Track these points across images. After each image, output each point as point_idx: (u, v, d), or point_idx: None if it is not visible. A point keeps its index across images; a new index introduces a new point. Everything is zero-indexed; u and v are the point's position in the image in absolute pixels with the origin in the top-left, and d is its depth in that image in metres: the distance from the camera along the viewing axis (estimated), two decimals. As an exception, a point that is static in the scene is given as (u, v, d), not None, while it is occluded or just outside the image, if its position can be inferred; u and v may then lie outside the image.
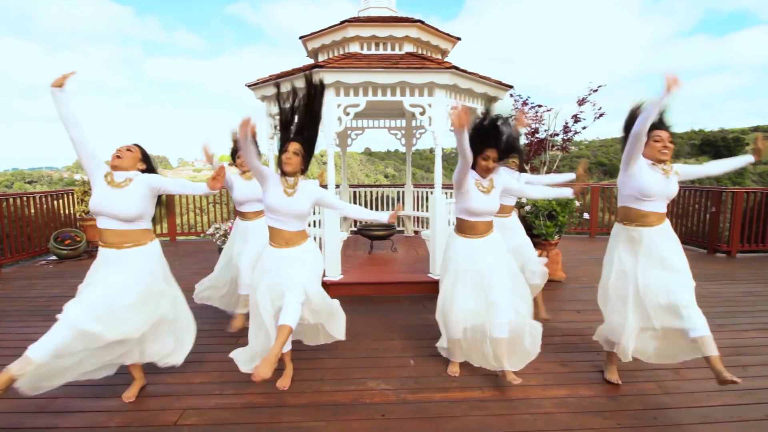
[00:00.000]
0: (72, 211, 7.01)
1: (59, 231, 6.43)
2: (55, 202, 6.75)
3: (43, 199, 6.54)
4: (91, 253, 6.55)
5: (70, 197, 7.03)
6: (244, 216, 3.60)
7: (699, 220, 6.80)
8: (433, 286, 4.58)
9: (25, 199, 6.25)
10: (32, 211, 6.34)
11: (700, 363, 2.94)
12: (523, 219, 5.25)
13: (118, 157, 2.41)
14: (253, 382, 2.64)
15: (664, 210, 2.52)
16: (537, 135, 5.98)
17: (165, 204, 2.73)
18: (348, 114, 4.40)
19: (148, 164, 2.55)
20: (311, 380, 2.75)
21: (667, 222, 2.56)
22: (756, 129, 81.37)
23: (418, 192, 7.42)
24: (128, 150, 2.47)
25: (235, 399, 2.53)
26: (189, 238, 8.05)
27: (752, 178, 65.60)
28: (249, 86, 5.10)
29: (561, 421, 2.31)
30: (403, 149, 7.46)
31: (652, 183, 2.43)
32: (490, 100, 5.22)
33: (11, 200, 6.02)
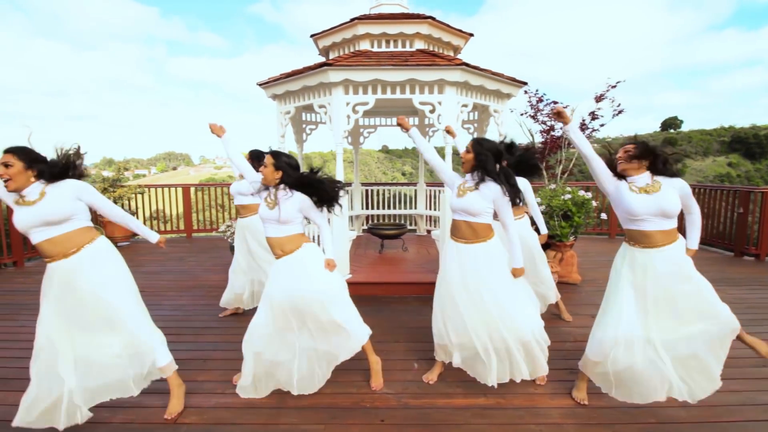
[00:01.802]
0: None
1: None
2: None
3: None
4: (109, 249, 6.71)
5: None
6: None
7: (726, 221, 6.50)
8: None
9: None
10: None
11: (722, 375, 2.80)
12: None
13: (7, 181, 2.07)
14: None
15: (670, 227, 2.26)
16: (552, 133, 5.81)
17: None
18: (357, 112, 4.35)
19: (42, 162, 2.16)
20: (313, 382, 2.71)
21: (677, 243, 2.27)
22: (791, 125, 77.77)
23: (430, 191, 7.32)
24: (6, 166, 2.06)
25: (235, 399, 2.52)
26: (209, 234, 8.13)
27: (784, 177, 62.68)
28: (260, 85, 5.11)
29: (567, 432, 2.21)
30: None
31: (634, 203, 2.24)
32: (503, 97, 5.09)
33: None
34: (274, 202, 2.46)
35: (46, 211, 2.09)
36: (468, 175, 2.64)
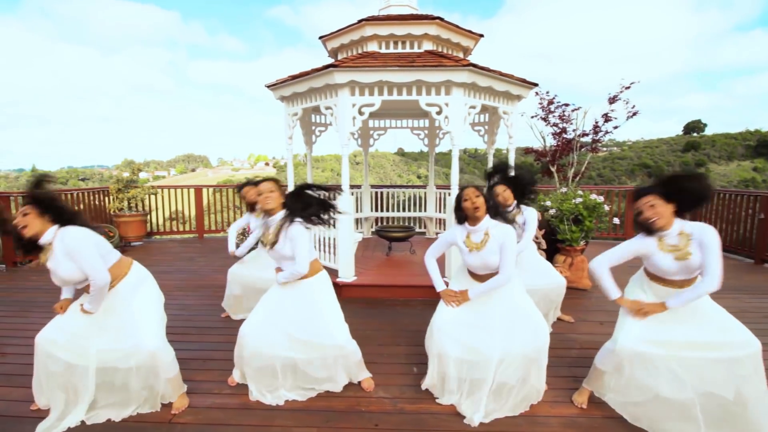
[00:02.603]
0: (103, 207, 7.35)
1: (94, 226, 6.74)
2: (92, 199, 7.11)
3: (89, 196, 6.99)
4: (123, 249, 6.84)
5: (102, 194, 7.37)
6: None
7: (748, 227, 6.26)
8: (447, 291, 4.44)
9: (63, 195, 6.62)
10: (80, 206, 6.73)
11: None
12: (547, 223, 5.02)
13: (23, 228, 2.06)
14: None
15: (696, 274, 2.18)
16: (564, 135, 5.69)
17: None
18: (363, 114, 4.34)
19: (54, 210, 2.14)
20: (310, 384, 2.69)
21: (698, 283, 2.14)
22: (822, 129, 74.78)
23: (440, 193, 7.26)
24: (24, 215, 2.06)
25: (230, 399, 2.52)
26: (220, 235, 8.23)
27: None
28: (268, 87, 5.15)
29: (567, 443, 2.14)
30: (437, 150, 7.30)
31: (664, 264, 2.16)
32: (513, 98, 5.02)
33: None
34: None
35: (60, 276, 2.18)
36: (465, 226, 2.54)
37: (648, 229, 2.16)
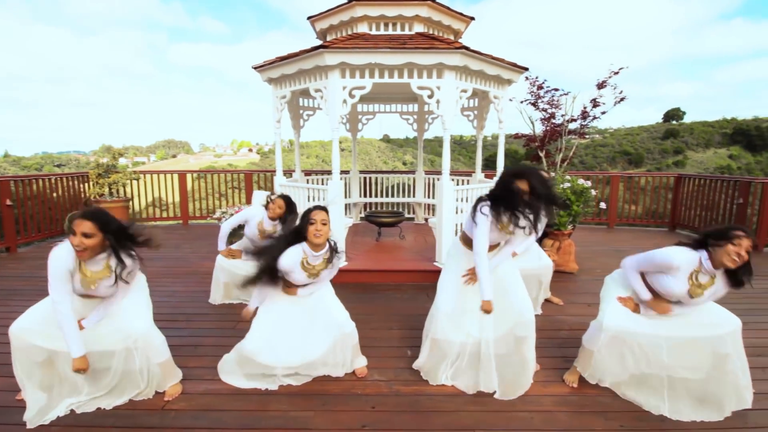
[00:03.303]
0: (85, 194, 7.11)
1: (74, 213, 6.52)
2: (68, 184, 6.84)
3: (67, 181, 6.72)
4: (104, 235, 6.65)
5: (81, 180, 7.11)
6: None
7: (725, 212, 6.44)
8: (438, 275, 4.47)
9: (37, 181, 6.34)
10: (46, 193, 6.44)
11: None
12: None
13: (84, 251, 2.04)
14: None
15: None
16: (553, 120, 5.72)
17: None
18: (353, 96, 4.26)
19: (110, 230, 2.11)
20: (304, 368, 2.69)
21: None
22: (794, 117, 77.26)
23: (429, 179, 7.25)
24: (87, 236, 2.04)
25: (224, 385, 2.49)
26: (205, 221, 8.08)
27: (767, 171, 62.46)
28: (255, 68, 5.01)
29: (561, 420, 2.19)
30: (423, 136, 7.25)
31: (678, 290, 2.18)
32: (503, 83, 4.99)
33: (23, 182, 6.12)
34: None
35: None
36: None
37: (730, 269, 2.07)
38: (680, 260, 2.12)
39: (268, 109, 5.13)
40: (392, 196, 7.55)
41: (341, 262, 2.65)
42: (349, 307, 2.87)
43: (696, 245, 2.16)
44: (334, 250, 2.53)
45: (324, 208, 2.43)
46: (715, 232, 2.08)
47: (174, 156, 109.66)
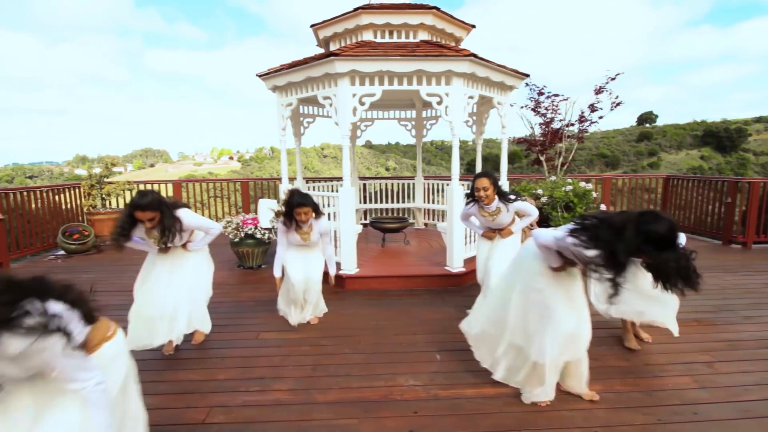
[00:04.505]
0: (76, 205, 6.90)
1: (67, 225, 6.34)
2: (57, 197, 6.61)
3: (47, 194, 6.43)
4: (99, 248, 6.47)
5: (74, 191, 6.91)
6: None
7: (713, 211, 6.70)
8: (452, 280, 4.52)
9: (25, 194, 6.11)
10: (36, 205, 6.21)
11: (733, 357, 2.90)
12: (540, 210, 5.18)
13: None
14: (278, 379, 2.61)
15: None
16: (552, 125, 5.87)
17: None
18: (363, 104, 4.30)
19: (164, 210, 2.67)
20: (337, 376, 2.68)
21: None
22: (759, 120, 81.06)
23: (428, 184, 7.32)
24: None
25: (261, 396, 2.46)
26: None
27: (755, 169, 65.38)
28: (260, 76, 5.00)
29: (600, 417, 2.24)
30: (404, 141, 7.40)
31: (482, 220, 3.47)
32: (506, 89, 5.11)
33: (14, 195, 5.91)
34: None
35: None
36: None
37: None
38: (466, 209, 3.43)
39: (248, 117, 5.31)
40: (392, 201, 7.58)
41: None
42: (367, 314, 2.97)
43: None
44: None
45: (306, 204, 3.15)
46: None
47: (152, 165, 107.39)
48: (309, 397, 2.45)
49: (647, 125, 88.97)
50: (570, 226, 2.08)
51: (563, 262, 2.22)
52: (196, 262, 3.01)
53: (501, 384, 2.55)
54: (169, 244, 2.82)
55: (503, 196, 3.28)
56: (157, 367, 2.84)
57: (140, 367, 2.80)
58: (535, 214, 3.46)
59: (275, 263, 3.34)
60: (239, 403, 2.39)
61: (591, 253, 1.90)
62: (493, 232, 3.45)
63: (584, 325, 2.34)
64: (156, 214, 2.62)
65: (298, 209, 3.11)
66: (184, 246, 2.97)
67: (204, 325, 3.04)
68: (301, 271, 3.37)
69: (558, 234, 2.14)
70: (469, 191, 3.37)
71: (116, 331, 1.60)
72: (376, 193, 7.67)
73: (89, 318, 1.41)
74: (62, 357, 1.24)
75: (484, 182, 3.19)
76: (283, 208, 3.20)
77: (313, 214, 3.24)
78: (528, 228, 4.07)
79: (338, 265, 4.57)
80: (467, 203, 3.42)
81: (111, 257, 5.95)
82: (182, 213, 2.79)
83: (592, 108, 5.74)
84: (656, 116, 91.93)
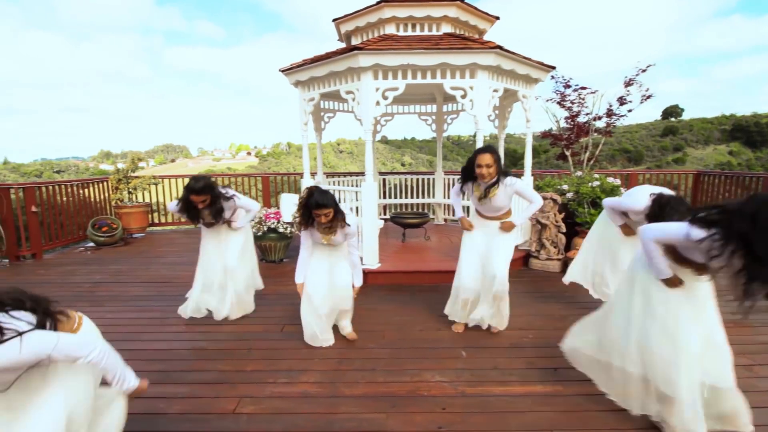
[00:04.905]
0: (103, 199, 7.06)
1: (96, 218, 6.51)
2: (85, 191, 6.78)
3: (75, 188, 6.61)
4: (126, 240, 6.64)
5: (101, 185, 7.08)
6: None
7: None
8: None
9: (56, 188, 6.28)
10: (65, 199, 6.38)
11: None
12: (565, 206, 5.07)
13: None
14: (305, 371, 2.63)
15: None
16: (578, 119, 5.72)
17: None
18: (386, 98, 4.27)
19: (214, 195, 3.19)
20: (363, 370, 2.68)
21: None
22: (792, 113, 77.54)
23: (449, 179, 7.25)
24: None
25: (288, 388, 2.48)
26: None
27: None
28: (282, 71, 5.01)
29: (634, 419, 2.18)
30: (420, 137, 7.33)
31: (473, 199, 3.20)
32: (531, 82, 5.00)
33: (45, 188, 6.08)
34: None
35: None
36: None
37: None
38: (458, 188, 3.27)
39: (265, 113, 5.30)
40: (411, 197, 7.54)
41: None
42: (390, 309, 2.96)
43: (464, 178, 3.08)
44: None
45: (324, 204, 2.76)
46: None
47: (173, 160, 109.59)
48: (336, 390, 2.46)
49: (672, 119, 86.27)
50: (685, 222, 1.81)
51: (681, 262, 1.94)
52: (239, 238, 3.49)
53: (529, 383, 2.51)
54: (216, 220, 3.32)
55: (505, 174, 2.94)
56: (186, 357, 2.90)
57: (169, 356, 2.89)
58: (539, 201, 3.07)
59: (298, 267, 3.00)
60: (267, 394, 2.42)
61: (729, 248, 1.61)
62: (485, 219, 3.11)
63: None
64: (207, 196, 3.12)
65: (317, 210, 2.72)
66: (228, 224, 3.43)
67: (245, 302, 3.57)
68: (324, 283, 2.98)
69: (680, 226, 1.82)
70: (465, 167, 3.03)
71: (81, 322, 1.64)
72: (395, 186, 7.65)
73: (52, 319, 1.48)
74: (51, 349, 1.35)
75: (487, 158, 2.85)
76: (300, 209, 2.82)
77: (337, 217, 2.81)
78: (627, 225, 3.15)
79: (360, 259, 4.57)
80: (461, 181, 3.10)
81: (137, 249, 6.10)
82: (229, 193, 3.29)
83: (621, 101, 5.57)
84: (682, 110, 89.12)
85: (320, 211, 2.71)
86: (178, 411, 2.27)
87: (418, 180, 7.50)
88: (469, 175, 3.02)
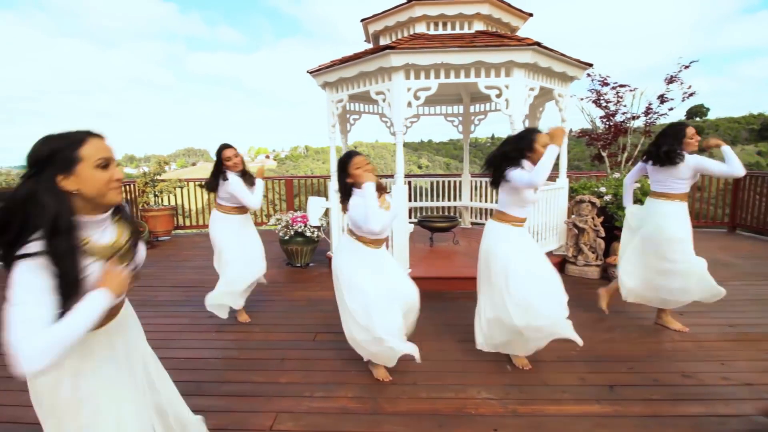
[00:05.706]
0: (129, 201, 7.10)
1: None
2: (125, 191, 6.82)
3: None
4: (153, 243, 6.66)
5: (127, 188, 7.10)
6: None
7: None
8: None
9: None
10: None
11: None
12: (604, 210, 4.83)
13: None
14: (342, 385, 2.49)
15: None
16: (615, 118, 5.47)
17: None
18: (418, 98, 4.13)
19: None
20: (403, 384, 2.54)
21: None
22: (827, 111, 74.13)
23: (475, 182, 7.06)
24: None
25: (326, 403, 2.36)
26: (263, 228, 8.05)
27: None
28: (310, 72, 4.93)
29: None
30: (437, 139, 7.22)
31: None
32: (567, 80, 4.80)
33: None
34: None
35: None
36: None
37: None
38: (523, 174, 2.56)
39: (282, 117, 5.26)
40: (437, 200, 7.37)
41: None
42: (425, 317, 2.88)
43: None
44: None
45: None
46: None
47: (194, 164, 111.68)
48: (377, 406, 2.32)
49: (698, 119, 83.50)
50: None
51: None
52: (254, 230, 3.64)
53: (583, 401, 2.32)
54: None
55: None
56: (217, 367, 2.80)
57: (201, 366, 2.79)
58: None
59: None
60: (305, 409, 2.30)
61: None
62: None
63: None
64: (239, 153, 3.37)
65: (357, 158, 2.51)
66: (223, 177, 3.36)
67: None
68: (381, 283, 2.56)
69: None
70: (517, 145, 2.57)
71: None
72: (420, 189, 7.49)
73: None
74: None
75: (545, 138, 2.48)
76: (339, 180, 2.57)
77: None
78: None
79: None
80: (517, 167, 2.52)
81: (164, 253, 6.10)
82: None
83: (662, 99, 5.29)
84: (707, 109, 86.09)
85: (356, 159, 2.49)
86: (213, 426, 2.14)
87: (443, 182, 7.34)
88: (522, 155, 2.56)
